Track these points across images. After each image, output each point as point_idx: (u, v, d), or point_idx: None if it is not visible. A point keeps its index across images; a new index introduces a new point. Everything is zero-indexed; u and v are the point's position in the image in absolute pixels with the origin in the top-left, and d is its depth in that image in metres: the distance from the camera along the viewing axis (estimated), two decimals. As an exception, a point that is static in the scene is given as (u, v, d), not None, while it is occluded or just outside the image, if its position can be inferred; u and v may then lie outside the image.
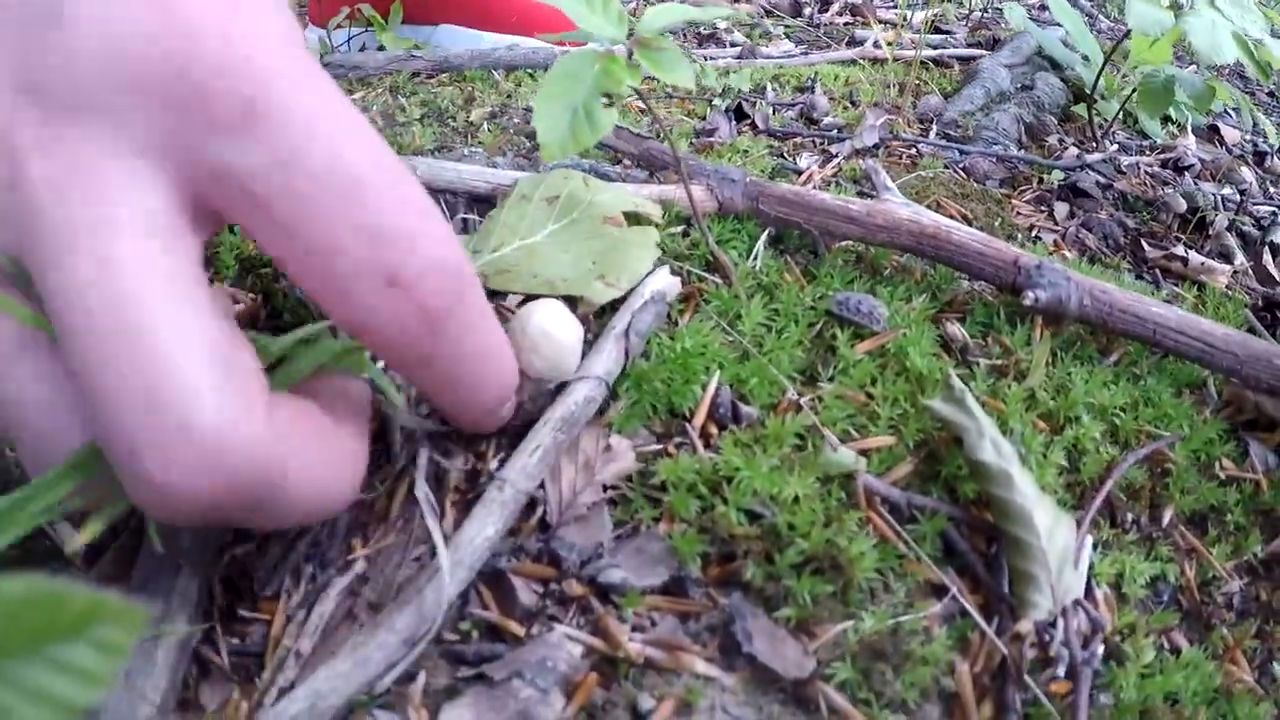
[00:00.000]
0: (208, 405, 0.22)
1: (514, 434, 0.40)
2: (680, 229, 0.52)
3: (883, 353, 0.46)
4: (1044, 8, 1.27)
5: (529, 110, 0.71)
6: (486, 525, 0.36)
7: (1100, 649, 0.39)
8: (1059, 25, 1.09)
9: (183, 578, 0.35)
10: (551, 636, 0.33)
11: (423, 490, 0.37)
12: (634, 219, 0.49)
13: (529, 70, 0.85)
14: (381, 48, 0.93)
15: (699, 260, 0.50)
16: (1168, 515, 0.46)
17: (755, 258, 0.50)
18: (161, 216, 0.23)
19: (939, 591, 0.39)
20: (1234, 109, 0.84)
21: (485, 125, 0.69)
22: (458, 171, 0.56)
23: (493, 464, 0.39)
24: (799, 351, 0.45)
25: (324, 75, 0.26)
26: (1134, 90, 0.76)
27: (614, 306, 0.45)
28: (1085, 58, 0.87)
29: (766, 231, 0.52)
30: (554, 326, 0.38)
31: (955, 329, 0.49)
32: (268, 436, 0.24)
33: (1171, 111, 0.84)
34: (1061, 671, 0.38)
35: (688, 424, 0.41)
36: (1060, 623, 0.39)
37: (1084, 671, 0.37)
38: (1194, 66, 1.05)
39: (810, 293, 0.49)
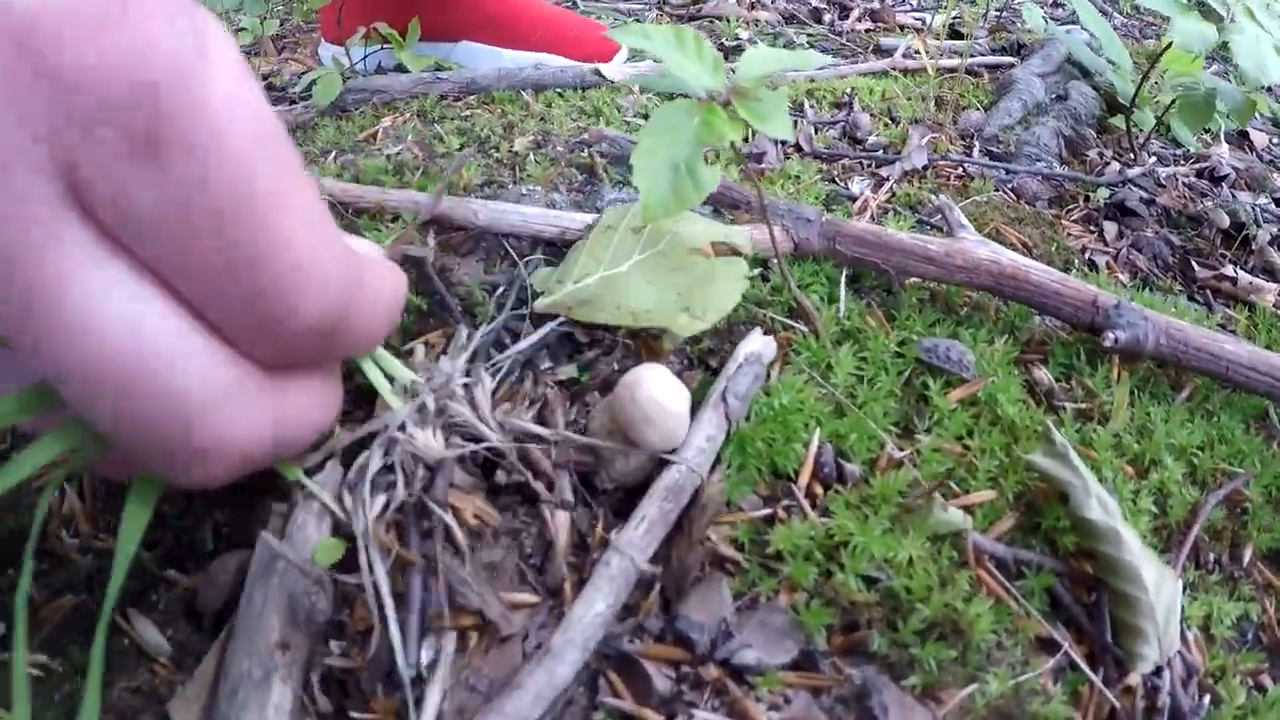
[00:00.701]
0: (219, 407, 0.24)
1: (619, 504, 0.40)
2: (757, 271, 0.51)
3: (974, 401, 0.46)
4: (1057, 4, 1.27)
5: (576, 142, 0.70)
6: (596, 601, 0.35)
7: (1205, 698, 0.40)
8: (1075, 22, 1.09)
9: (275, 684, 0.33)
10: (695, 725, 0.33)
11: (375, 566, 0.35)
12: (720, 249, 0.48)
13: (558, 90, 0.83)
14: (400, 66, 0.91)
15: (782, 307, 0.49)
16: (1247, 554, 0.47)
17: (840, 305, 0.50)
18: (96, 245, 0.22)
19: (1048, 646, 0.39)
20: (1271, 117, 0.85)
21: (531, 156, 0.67)
22: (521, 215, 0.55)
23: (598, 535, 0.39)
24: (892, 402, 0.46)
25: (233, 79, 0.22)
26: (1173, 101, 0.76)
27: (713, 370, 0.45)
28: (1113, 63, 0.87)
29: (844, 274, 0.52)
30: (665, 395, 0.38)
31: (1041, 373, 0.49)
32: (267, 400, 0.26)
33: (1201, 119, 0.84)
34: (1169, 721, 0.39)
35: (793, 485, 0.41)
36: (1166, 673, 0.40)
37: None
38: (1215, 64, 1.05)
39: (894, 337, 0.49)
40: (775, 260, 0.47)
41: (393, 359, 0.39)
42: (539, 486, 0.39)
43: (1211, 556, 0.47)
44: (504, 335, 0.47)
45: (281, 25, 1.17)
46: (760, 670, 0.34)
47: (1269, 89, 1.06)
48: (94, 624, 0.37)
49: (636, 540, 0.37)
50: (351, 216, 0.57)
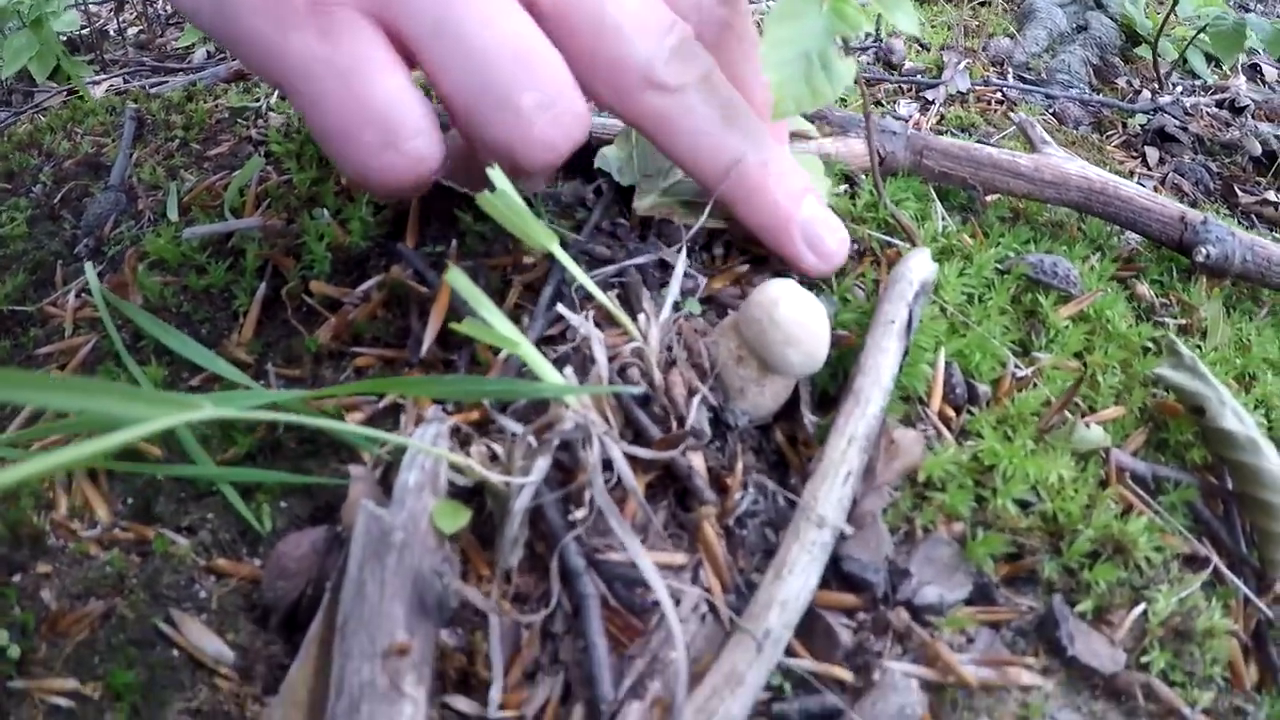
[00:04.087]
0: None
1: (752, 437, 0.36)
2: (843, 188, 0.47)
3: (1085, 317, 0.44)
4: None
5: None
6: (810, 576, 0.31)
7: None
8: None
9: (406, 689, 0.27)
10: (892, 679, 0.29)
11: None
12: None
13: None
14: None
15: (877, 223, 0.45)
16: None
17: (937, 220, 0.46)
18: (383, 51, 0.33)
19: (1192, 561, 0.38)
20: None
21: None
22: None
23: (737, 476, 0.34)
24: (1006, 320, 0.43)
25: None
26: (1199, 30, 0.75)
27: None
28: (1129, -4, 0.86)
29: (932, 189, 0.48)
30: (806, 315, 0.34)
31: (1144, 289, 0.47)
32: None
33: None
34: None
35: (924, 408, 0.38)
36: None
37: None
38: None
39: (993, 254, 0.46)
40: (869, 175, 0.44)
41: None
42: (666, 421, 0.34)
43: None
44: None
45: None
46: (941, 609, 0.31)
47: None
48: (133, 635, 0.31)
49: (845, 500, 0.32)
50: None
